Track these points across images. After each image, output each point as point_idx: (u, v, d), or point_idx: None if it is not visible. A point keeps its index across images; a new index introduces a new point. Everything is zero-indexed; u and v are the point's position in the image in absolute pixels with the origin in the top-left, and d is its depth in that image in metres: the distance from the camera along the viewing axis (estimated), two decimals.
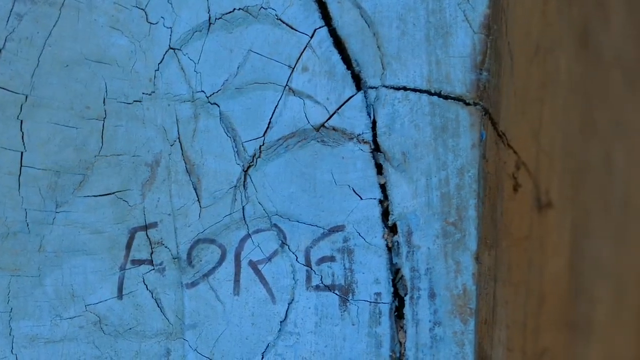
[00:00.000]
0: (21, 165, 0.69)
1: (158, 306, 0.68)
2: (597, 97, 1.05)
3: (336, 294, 0.69)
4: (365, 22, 0.69)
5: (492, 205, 0.70)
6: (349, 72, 0.69)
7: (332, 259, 0.69)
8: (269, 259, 0.69)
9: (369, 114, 0.69)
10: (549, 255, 0.87)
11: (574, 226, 0.95)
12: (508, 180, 0.75)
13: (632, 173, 1.24)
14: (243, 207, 0.70)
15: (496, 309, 0.72)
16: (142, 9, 0.68)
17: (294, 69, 0.69)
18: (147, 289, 0.68)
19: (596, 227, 1.06)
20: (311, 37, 0.69)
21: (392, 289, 0.69)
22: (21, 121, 0.69)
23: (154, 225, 0.69)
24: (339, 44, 0.69)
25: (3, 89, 0.68)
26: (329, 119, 0.69)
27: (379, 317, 0.69)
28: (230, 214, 0.70)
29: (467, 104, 0.68)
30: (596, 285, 1.07)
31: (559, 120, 0.89)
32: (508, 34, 0.72)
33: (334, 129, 0.69)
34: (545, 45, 0.83)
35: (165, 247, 0.69)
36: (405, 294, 0.69)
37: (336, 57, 0.69)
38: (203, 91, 0.70)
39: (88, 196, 0.68)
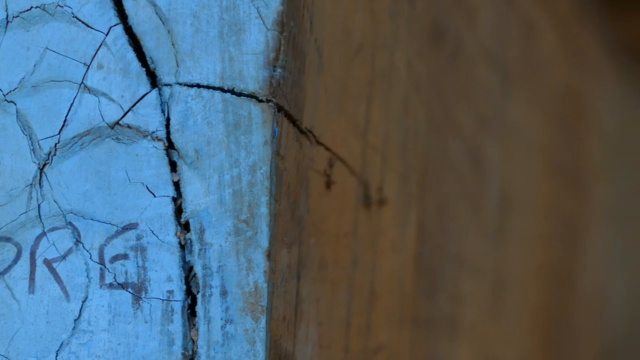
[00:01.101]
0: None
1: None
2: (459, 94, 1.06)
3: (129, 292, 0.70)
4: (160, 19, 0.70)
5: (293, 202, 0.71)
6: (144, 69, 0.70)
7: (125, 256, 0.70)
8: (64, 257, 0.70)
9: (163, 112, 0.70)
10: (384, 253, 0.88)
11: (422, 224, 0.96)
12: (317, 177, 0.75)
13: (509, 169, 1.25)
14: (39, 205, 0.70)
15: (301, 306, 0.73)
16: None
17: (89, 66, 0.70)
18: None
19: (459, 224, 1.07)
20: (106, 35, 0.70)
21: (184, 287, 0.69)
22: None
23: None
24: (135, 42, 0.70)
25: None
26: (123, 116, 0.69)
27: (172, 315, 0.70)
28: (26, 212, 0.70)
29: (260, 101, 0.68)
30: (461, 282, 1.08)
31: (397, 117, 0.90)
32: (314, 31, 0.73)
33: (128, 126, 0.70)
34: (373, 43, 0.84)
35: None
36: (198, 292, 0.69)
37: (131, 54, 0.70)
38: (0, 90, 0.70)
39: None
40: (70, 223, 0.70)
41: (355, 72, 0.82)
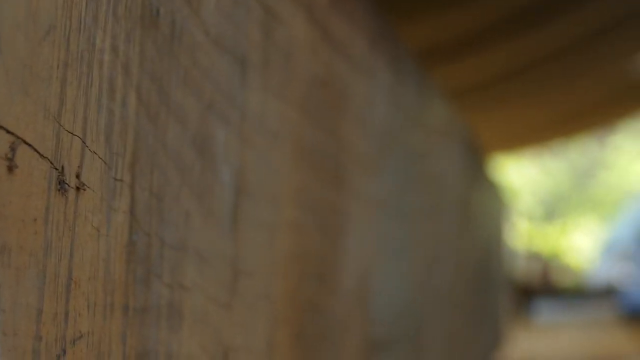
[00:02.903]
0: None
1: None
2: (182, 79, 1.07)
3: None
4: None
5: None
6: None
7: None
8: None
9: None
10: (85, 240, 0.89)
11: (134, 211, 0.96)
12: None
13: (246, 157, 1.27)
14: None
15: None
16: None
17: None
18: None
19: (181, 212, 1.08)
20: None
21: None
22: None
23: None
24: None
25: None
26: None
27: None
28: None
29: None
30: (184, 270, 1.09)
31: (100, 101, 0.90)
32: None
33: None
34: (67, 25, 0.84)
35: None
36: None
37: None
38: None
39: None
40: None
41: (45, 55, 0.82)
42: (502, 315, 7.60)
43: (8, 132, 0.77)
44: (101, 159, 0.92)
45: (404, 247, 2.39)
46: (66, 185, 0.86)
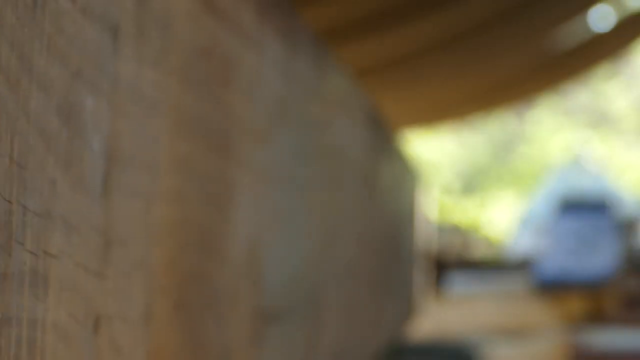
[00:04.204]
0: None
1: None
2: (46, 47, 1.08)
3: None
4: None
5: None
6: None
7: None
8: None
9: None
10: None
11: None
12: None
13: (118, 127, 1.29)
14: None
15: None
16: None
17: None
18: None
19: (46, 180, 1.09)
20: None
21: None
22: None
23: None
24: None
25: None
26: None
27: None
28: None
29: None
30: (49, 238, 1.11)
31: None
32: None
33: None
34: None
35: None
36: None
37: None
38: None
39: None
40: None
41: None
42: (416, 287, 7.69)
43: None
44: None
45: (298, 218, 2.42)
46: None
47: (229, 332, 1.85)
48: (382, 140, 4.15)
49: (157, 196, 1.47)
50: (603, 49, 9.74)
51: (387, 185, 4.84)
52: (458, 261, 13.89)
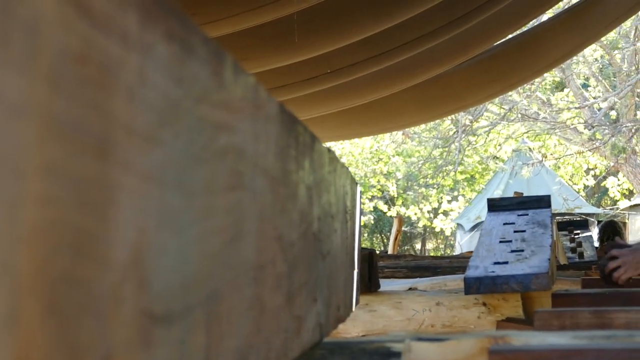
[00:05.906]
0: None
1: None
2: None
3: None
4: None
5: None
6: None
7: None
8: None
9: None
10: None
11: None
12: None
13: None
14: None
15: None
16: None
17: None
18: None
19: None
20: None
21: None
22: None
23: None
24: None
25: None
26: None
27: None
28: None
29: None
30: None
31: None
32: None
33: None
34: None
35: None
36: None
37: None
38: None
39: None
40: None
41: None
42: (348, 285, 7.74)
43: None
44: None
45: (192, 220, 2.44)
46: None
47: (111, 336, 1.87)
48: (298, 139, 4.20)
49: (24, 201, 1.49)
50: None
51: (310, 184, 4.88)
52: (394, 259, 13.97)
